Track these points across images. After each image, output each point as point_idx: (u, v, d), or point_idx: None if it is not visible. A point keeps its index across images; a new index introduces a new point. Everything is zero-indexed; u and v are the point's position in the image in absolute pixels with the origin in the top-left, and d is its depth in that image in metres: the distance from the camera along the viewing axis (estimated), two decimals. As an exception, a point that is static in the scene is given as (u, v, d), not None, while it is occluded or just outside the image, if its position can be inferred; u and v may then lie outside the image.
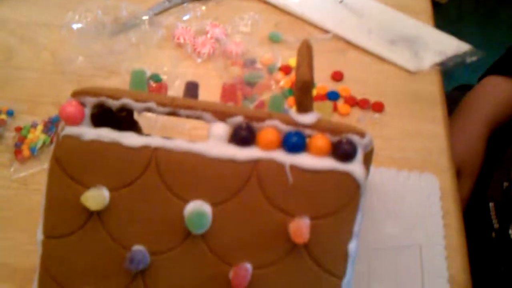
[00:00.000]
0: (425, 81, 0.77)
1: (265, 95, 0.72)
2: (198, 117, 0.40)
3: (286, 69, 0.76)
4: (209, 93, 0.62)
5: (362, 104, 0.72)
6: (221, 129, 0.39)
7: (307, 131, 0.39)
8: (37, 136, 0.66)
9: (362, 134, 0.38)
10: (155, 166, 0.39)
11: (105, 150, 0.39)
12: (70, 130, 0.39)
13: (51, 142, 0.66)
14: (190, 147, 0.39)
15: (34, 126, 0.67)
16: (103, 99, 0.40)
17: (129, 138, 0.39)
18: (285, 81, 0.75)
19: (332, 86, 0.75)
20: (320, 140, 0.38)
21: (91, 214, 0.39)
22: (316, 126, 0.39)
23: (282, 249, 0.38)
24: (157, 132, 0.66)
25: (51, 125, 0.67)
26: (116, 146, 0.39)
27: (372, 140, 0.40)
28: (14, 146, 0.65)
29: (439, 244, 0.58)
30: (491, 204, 0.76)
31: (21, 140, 0.65)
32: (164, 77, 0.74)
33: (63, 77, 0.75)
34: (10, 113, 0.69)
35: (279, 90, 0.74)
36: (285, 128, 0.39)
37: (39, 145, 0.65)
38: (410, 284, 0.55)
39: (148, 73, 0.74)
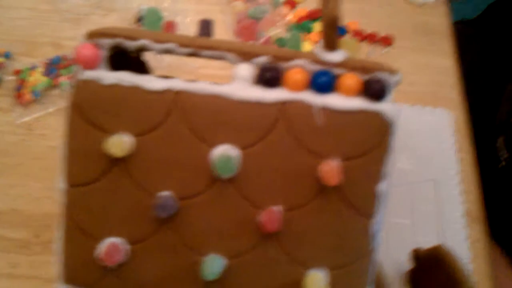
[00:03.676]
0: (433, 13, 0.75)
1: (271, 31, 0.69)
2: (220, 58, 0.38)
3: (290, 3, 0.74)
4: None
5: (371, 38, 0.70)
6: (246, 70, 0.37)
7: (336, 70, 0.37)
8: (38, 79, 0.63)
9: (393, 71, 0.37)
10: (179, 110, 0.37)
11: (126, 95, 0.37)
12: (88, 74, 0.37)
13: (54, 85, 0.63)
14: (214, 90, 0.37)
15: (33, 68, 0.64)
16: (120, 40, 0.38)
17: (150, 82, 0.37)
18: (291, 16, 0.72)
19: (339, 20, 0.73)
20: (349, 79, 0.37)
21: (115, 161, 0.38)
22: (345, 65, 0.37)
23: (311, 191, 0.38)
24: (163, 71, 0.64)
25: (51, 67, 0.64)
26: (137, 90, 0.37)
27: (402, 76, 0.38)
28: (15, 89, 0.63)
29: (453, 179, 0.58)
30: (500, 140, 0.76)
31: (21, 83, 0.63)
32: (164, 14, 0.71)
33: (60, 16, 0.71)
34: (7, 56, 0.66)
35: (284, 26, 0.72)
36: (313, 67, 0.37)
37: (41, 88, 0.63)
38: (427, 219, 0.56)
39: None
